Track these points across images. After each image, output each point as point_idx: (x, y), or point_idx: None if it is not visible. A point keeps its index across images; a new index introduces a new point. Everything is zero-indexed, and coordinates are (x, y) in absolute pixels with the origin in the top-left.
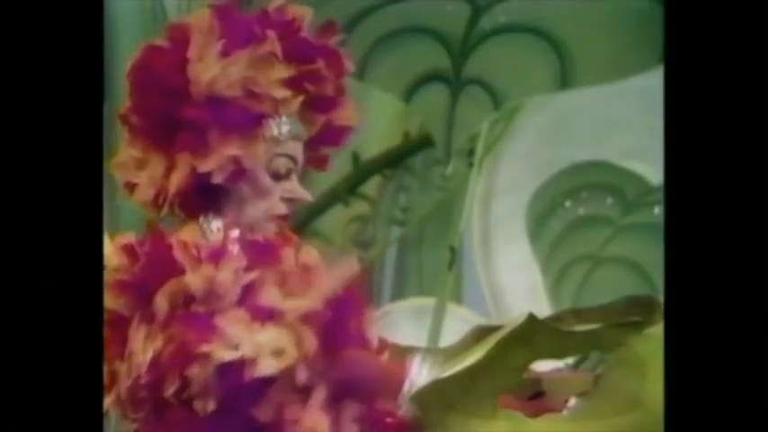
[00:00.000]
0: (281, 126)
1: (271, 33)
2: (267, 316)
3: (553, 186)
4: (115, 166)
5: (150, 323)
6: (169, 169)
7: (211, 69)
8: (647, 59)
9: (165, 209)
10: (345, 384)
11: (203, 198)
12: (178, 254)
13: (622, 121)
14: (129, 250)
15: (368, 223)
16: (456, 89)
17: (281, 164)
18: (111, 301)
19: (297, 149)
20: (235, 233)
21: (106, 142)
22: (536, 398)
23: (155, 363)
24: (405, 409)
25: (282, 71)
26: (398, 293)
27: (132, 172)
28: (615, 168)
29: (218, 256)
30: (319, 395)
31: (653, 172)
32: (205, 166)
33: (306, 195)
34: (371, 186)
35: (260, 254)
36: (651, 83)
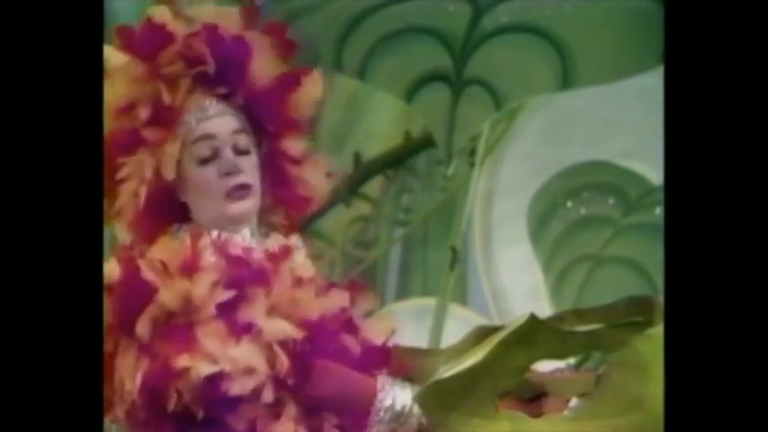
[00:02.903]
0: (190, 116)
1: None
2: (244, 331)
3: (554, 186)
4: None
5: (135, 348)
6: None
7: (113, 87)
8: (647, 59)
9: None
10: (316, 400)
11: (163, 212)
12: (147, 274)
13: (624, 121)
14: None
15: (369, 224)
16: (457, 89)
17: (203, 147)
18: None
19: (211, 127)
20: (212, 238)
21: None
22: (537, 398)
23: (145, 384)
24: (375, 428)
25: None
26: (402, 294)
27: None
28: (616, 168)
29: (190, 269)
30: (290, 411)
31: (654, 172)
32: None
33: (238, 164)
34: (373, 187)
35: (249, 275)
36: (652, 83)
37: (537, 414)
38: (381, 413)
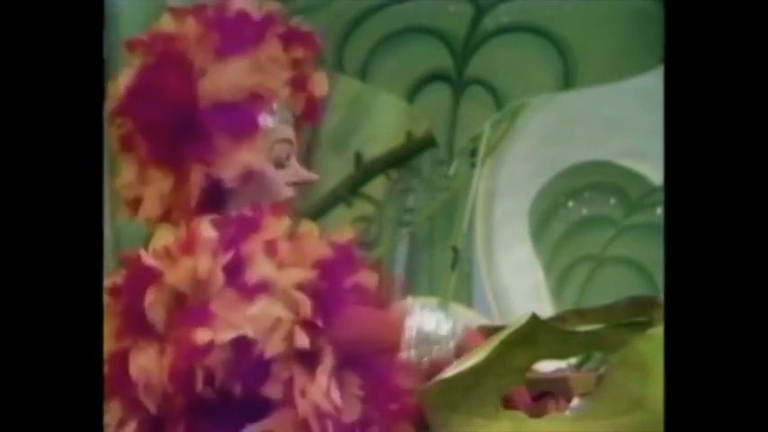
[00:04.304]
0: (276, 115)
1: (271, 35)
2: (257, 290)
3: (556, 186)
4: (120, 184)
5: (155, 341)
6: (179, 182)
7: (217, 79)
8: (647, 59)
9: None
10: (348, 344)
11: (213, 204)
12: (149, 260)
13: (625, 121)
14: (111, 291)
15: (371, 224)
16: (458, 89)
17: (281, 150)
18: (111, 344)
19: (290, 132)
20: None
21: (107, 155)
22: (539, 398)
23: (174, 368)
24: (409, 356)
25: (285, 71)
26: (408, 294)
27: (137, 189)
28: (618, 168)
29: (190, 246)
30: (326, 363)
31: (655, 172)
32: (222, 174)
33: (310, 176)
34: (374, 187)
35: (238, 228)
36: (652, 83)
37: (538, 414)
38: (410, 339)
